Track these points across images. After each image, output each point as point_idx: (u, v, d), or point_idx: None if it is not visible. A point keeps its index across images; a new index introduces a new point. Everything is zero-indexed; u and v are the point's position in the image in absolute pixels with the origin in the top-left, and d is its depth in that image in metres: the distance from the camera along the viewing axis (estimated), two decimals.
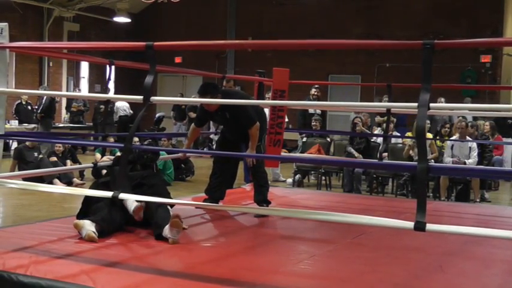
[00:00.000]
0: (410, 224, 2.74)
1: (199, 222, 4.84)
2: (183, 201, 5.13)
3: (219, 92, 5.07)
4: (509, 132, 11.45)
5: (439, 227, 2.77)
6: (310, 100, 11.08)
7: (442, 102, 10.74)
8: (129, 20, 17.72)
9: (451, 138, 9.19)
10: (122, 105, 15.06)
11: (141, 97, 3.53)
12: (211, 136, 13.70)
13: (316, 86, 11.31)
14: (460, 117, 10.14)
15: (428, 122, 8.27)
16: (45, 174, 8.12)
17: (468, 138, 8.98)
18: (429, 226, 2.70)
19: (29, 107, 13.94)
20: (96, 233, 3.89)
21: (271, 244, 4.27)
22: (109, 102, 6.03)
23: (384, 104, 8.48)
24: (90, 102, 15.84)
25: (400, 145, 9.86)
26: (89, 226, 3.91)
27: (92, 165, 6.04)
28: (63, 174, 8.97)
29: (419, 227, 2.70)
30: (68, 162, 9.85)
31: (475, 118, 11.02)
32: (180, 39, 4.20)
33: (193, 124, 5.68)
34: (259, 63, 12.95)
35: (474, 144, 8.81)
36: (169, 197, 4.42)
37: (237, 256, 3.83)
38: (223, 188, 5.55)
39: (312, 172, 10.49)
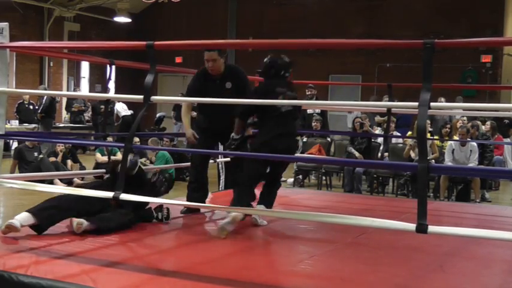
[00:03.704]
0: (412, 226, 2.73)
1: (199, 222, 4.84)
2: (182, 202, 5.13)
3: (223, 59, 4.92)
4: (506, 132, 11.44)
5: (441, 229, 2.76)
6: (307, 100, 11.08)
7: (442, 102, 10.74)
8: (129, 20, 17.72)
9: (451, 139, 9.19)
10: (122, 106, 15.06)
11: (142, 97, 3.53)
12: None
13: (309, 85, 11.27)
14: (460, 121, 10.14)
15: (428, 122, 8.25)
16: (45, 175, 8.12)
17: (468, 139, 8.98)
18: (431, 228, 2.69)
19: (31, 107, 13.94)
20: (83, 223, 3.93)
21: (271, 244, 4.27)
22: (109, 102, 6.02)
23: (384, 104, 8.47)
24: (89, 101, 15.85)
25: (401, 145, 9.86)
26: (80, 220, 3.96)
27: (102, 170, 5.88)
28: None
29: (421, 229, 2.69)
30: (69, 162, 9.87)
31: (473, 118, 11.01)
32: (180, 39, 4.20)
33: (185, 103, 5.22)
34: (259, 62, 12.96)
35: (475, 147, 8.79)
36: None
37: (237, 256, 3.83)
38: (205, 195, 5.27)
39: (313, 172, 10.50)
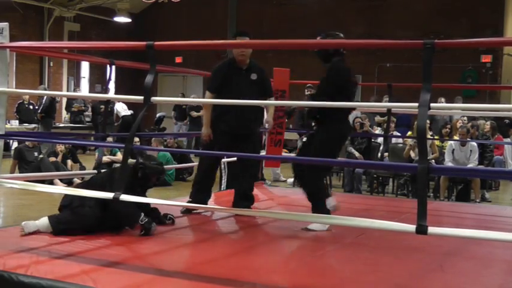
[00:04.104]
0: (412, 227, 2.72)
1: (199, 222, 4.84)
2: (183, 203, 5.13)
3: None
4: (507, 132, 11.44)
5: (441, 230, 2.76)
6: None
7: (442, 103, 10.74)
8: (129, 20, 17.72)
9: (451, 139, 9.19)
10: (122, 106, 15.06)
11: (142, 97, 3.52)
12: None
13: (308, 85, 11.28)
14: (461, 121, 10.13)
15: (428, 122, 8.25)
16: (45, 175, 8.12)
17: (468, 138, 8.98)
18: (431, 229, 2.69)
19: (31, 107, 13.94)
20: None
21: (271, 244, 4.27)
22: (109, 102, 6.01)
23: (384, 104, 8.48)
24: (89, 102, 15.87)
25: (401, 145, 9.86)
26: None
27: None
28: None
29: (421, 230, 2.69)
30: (69, 162, 9.86)
31: (473, 118, 11.02)
32: (180, 39, 4.20)
33: (208, 93, 4.94)
34: (259, 63, 12.95)
35: (475, 147, 8.79)
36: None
37: (237, 256, 3.83)
38: (208, 196, 5.25)
39: None
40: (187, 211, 4.98)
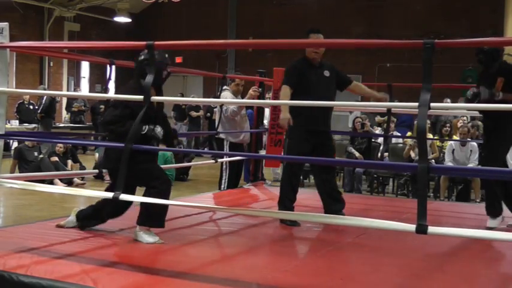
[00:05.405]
0: (411, 227, 2.72)
1: (199, 222, 4.84)
2: (182, 203, 5.13)
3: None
4: None
5: (441, 230, 2.76)
6: None
7: (448, 103, 10.73)
8: (129, 20, 17.72)
9: (451, 139, 9.19)
10: None
11: (141, 97, 3.53)
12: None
13: None
14: (461, 121, 10.12)
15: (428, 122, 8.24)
16: (45, 175, 8.12)
17: (469, 138, 8.97)
18: (431, 229, 2.69)
19: (31, 107, 13.94)
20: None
21: (272, 244, 4.27)
22: (109, 102, 6.01)
23: (384, 104, 8.45)
24: (89, 102, 15.87)
25: (401, 145, 9.86)
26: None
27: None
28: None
29: (421, 229, 2.69)
30: (69, 162, 9.87)
31: (473, 118, 11.01)
32: (180, 39, 4.19)
33: (286, 87, 4.88)
34: (259, 63, 12.96)
35: (475, 147, 8.78)
36: None
37: (237, 256, 3.83)
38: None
39: None
40: (288, 221, 4.76)
